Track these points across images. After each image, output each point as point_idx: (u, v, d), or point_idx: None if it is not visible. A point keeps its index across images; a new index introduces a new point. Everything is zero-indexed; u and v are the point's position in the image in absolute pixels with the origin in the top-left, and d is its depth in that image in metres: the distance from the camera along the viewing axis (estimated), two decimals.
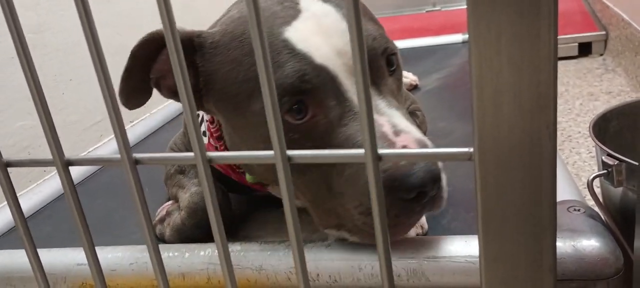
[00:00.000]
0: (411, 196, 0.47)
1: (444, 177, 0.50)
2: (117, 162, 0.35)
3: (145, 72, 0.57)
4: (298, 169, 0.53)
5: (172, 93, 0.60)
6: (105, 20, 1.25)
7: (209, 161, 0.34)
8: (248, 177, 0.68)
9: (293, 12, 0.54)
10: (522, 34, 0.24)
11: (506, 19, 0.24)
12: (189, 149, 0.78)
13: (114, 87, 0.33)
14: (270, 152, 0.31)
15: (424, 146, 0.48)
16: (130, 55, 0.56)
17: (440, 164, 0.49)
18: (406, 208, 0.48)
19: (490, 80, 0.25)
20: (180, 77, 0.30)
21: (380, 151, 0.29)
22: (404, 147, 0.48)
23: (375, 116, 0.50)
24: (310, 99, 0.51)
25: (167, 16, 0.28)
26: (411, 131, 0.50)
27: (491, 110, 0.26)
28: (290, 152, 0.31)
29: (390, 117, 0.51)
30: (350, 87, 0.51)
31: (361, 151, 0.29)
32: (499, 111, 0.26)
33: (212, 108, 0.60)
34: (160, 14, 0.27)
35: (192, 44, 0.56)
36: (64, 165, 0.36)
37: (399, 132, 0.49)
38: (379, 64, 0.54)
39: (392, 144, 0.48)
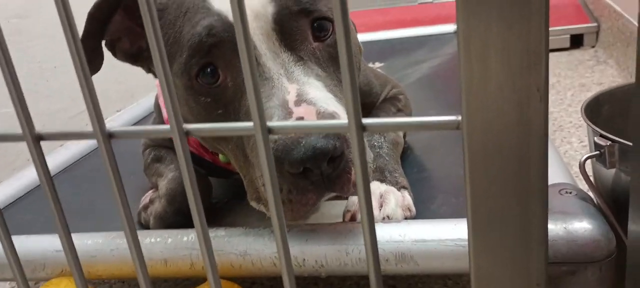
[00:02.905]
0: (296, 171, 0.44)
1: (351, 153, 0.46)
2: (90, 135, 0.33)
3: (101, 34, 0.58)
4: (224, 138, 0.54)
5: (127, 56, 0.61)
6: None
7: (187, 133, 0.32)
8: (221, 156, 0.67)
9: None
10: None
11: None
12: (163, 140, 0.78)
13: (84, 57, 0.31)
14: (208, 125, 0.31)
15: (330, 119, 0.45)
16: (87, 17, 0.56)
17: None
18: (296, 185, 0.46)
19: (478, 35, 0.24)
20: (157, 51, 0.29)
21: (270, 124, 0.28)
22: (299, 119, 0.45)
23: (285, 82, 0.48)
24: (220, 60, 0.50)
25: None
26: (318, 102, 0.46)
27: (478, 70, 0.24)
28: (187, 126, 0.30)
29: (302, 85, 0.48)
30: (265, 50, 0.50)
31: (250, 124, 0.28)
32: (487, 71, 0.24)
33: (155, 74, 0.61)
34: None
35: None
36: (35, 139, 0.35)
37: (302, 102, 0.46)
38: (296, 26, 0.51)
39: (288, 114, 0.46)
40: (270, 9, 0.50)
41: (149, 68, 0.62)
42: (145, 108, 1.27)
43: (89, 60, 0.59)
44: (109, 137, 0.34)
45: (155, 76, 0.63)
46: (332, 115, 0.46)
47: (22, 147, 1.03)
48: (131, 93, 1.37)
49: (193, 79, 0.51)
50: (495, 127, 0.25)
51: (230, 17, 0.50)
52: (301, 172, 0.45)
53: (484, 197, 0.26)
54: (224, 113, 0.52)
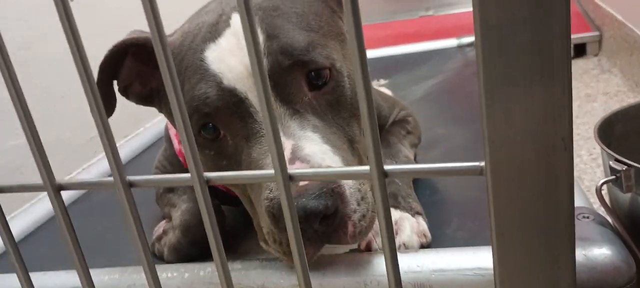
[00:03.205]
0: None
1: (347, 208, 0.46)
2: (111, 185, 0.33)
3: (112, 79, 0.60)
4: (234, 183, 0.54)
5: (140, 98, 0.62)
6: (94, 31, 1.24)
7: (207, 182, 0.32)
8: None
9: (221, 28, 0.53)
10: (533, 39, 0.23)
11: (518, 23, 0.23)
12: (174, 166, 0.78)
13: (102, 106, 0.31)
14: (229, 174, 0.32)
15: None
16: (99, 69, 0.58)
17: (348, 190, 0.46)
18: None
19: (502, 90, 0.24)
20: (176, 103, 0.29)
21: (291, 171, 0.29)
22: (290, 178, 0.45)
23: (281, 138, 0.47)
24: (217, 120, 0.52)
25: (156, 29, 0.26)
26: (312, 159, 0.47)
27: (502, 122, 0.24)
28: (207, 175, 0.31)
29: (297, 140, 0.48)
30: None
31: (271, 172, 0.29)
32: (511, 122, 0.24)
33: (165, 114, 0.62)
34: (149, 25, 0.26)
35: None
36: (56, 189, 0.35)
37: (296, 159, 0.47)
38: (290, 80, 0.51)
39: None
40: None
41: (161, 108, 0.62)
42: (152, 134, 1.27)
43: (104, 105, 0.61)
44: (129, 186, 0.34)
45: (166, 116, 0.64)
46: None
47: (33, 177, 1.03)
48: (137, 118, 1.37)
49: (196, 135, 0.53)
50: (521, 176, 0.25)
51: (225, 80, 0.50)
52: None
53: (511, 244, 0.26)
54: (228, 164, 0.54)
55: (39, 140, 0.34)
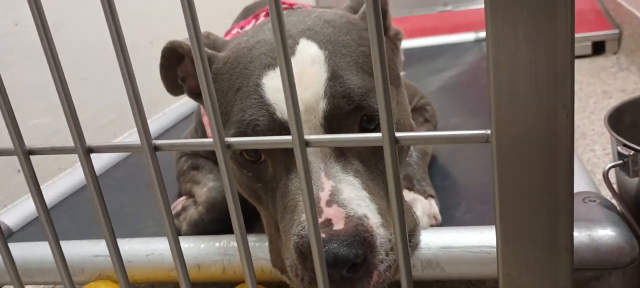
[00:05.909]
0: None
1: (375, 258, 0.46)
2: (138, 148, 0.35)
3: (175, 70, 0.64)
4: (263, 202, 0.54)
5: (193, 94, 0.64)
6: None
7: (228, 147, 0.34)
8: None
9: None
10: (538, 10, 0.24)
11: None
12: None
13: (135, 76, 0.33)
14: (249, 139, 0.32)
15: (360, 226, 0.45)
16: (161, 54, 0.62)
17: (379, 240, 0.46)
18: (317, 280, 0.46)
19: (507, 58, 0.25)
20: (201, 66, 0.31)
21: (307, 137, 0.30)
22: (328, 221, 0.45)
23: (322, 177, 0.48)
24: (262, 149, 0.51)
25: (194, 30, 0.28)
26: (349, 205, 0.46)
27: (508, 90, 0.26)
28: (228, 140, 0.33)
29: (338, 183, 0.48)
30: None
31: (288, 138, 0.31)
32: (516, 90, 0.26)
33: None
34: (188, 30, 0.28)
35: None
36: (85, 152, 0.37)
37: (333, 203, 0.46)
38: (345, 123, 0.50)
39: (317, 213, 0.45)
40: (322, 105, 0.50)
41: None
42: (170, 119, 1.30)
43: (172, 87, 0.65)
44: (154, 149, 0.36)
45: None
46: (360, 219, 0.46)
47: (51, 159, 1.06)
48: (156, 102, 1.40)
49: (236, 154, 0.53)
50: (524, 141, 0.26)
51: (279, 111, 0.50)
52: None
53: (513, 207, 0.28)
54: (263, 188, 0.53)
55: (72, 104, 0.36)
